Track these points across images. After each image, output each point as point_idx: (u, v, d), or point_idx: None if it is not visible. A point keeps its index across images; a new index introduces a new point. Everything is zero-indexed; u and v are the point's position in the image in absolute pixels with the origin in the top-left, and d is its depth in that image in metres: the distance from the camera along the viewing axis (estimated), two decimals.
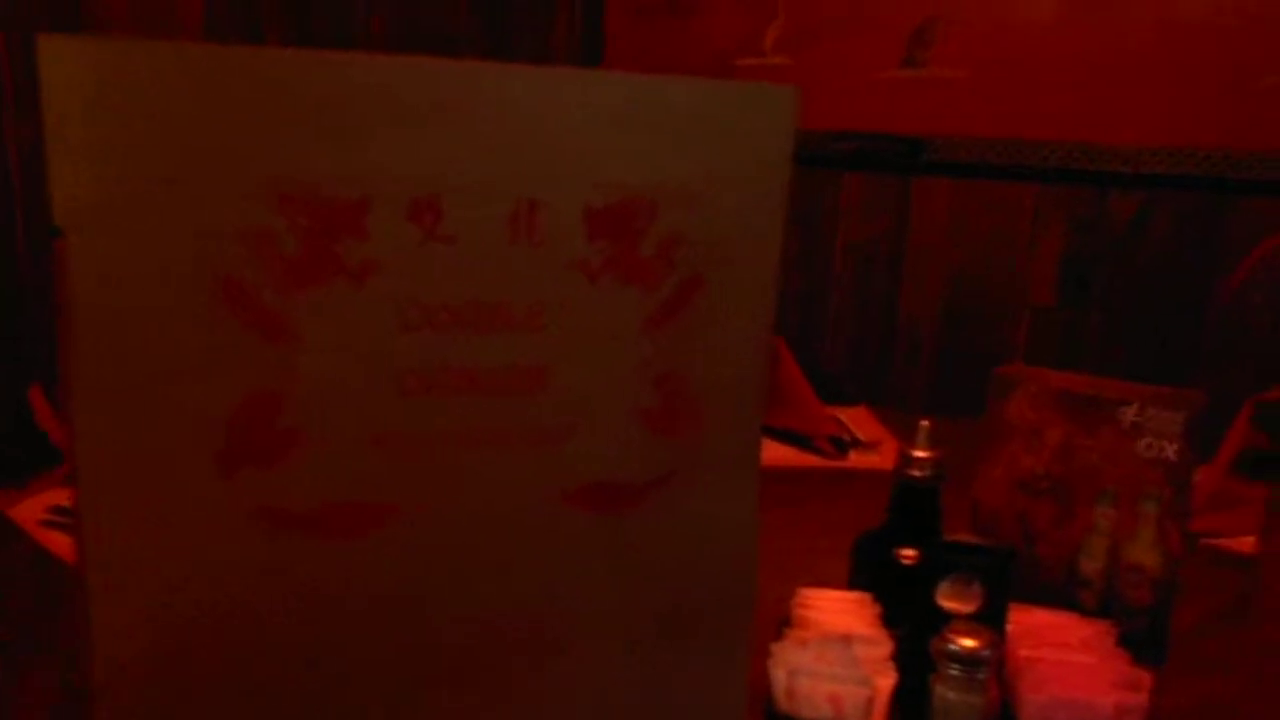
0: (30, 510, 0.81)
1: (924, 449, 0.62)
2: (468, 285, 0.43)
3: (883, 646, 0.55)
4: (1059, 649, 0.54)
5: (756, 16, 1.58)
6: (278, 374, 0.41)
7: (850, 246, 1.61)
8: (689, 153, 0.46)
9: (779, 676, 0.53)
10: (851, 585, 0.65)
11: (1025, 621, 0.57)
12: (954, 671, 0.52)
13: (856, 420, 1.19)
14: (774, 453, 1.11)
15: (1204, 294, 1.27)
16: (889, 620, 0.59)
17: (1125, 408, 0.59)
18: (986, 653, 0.51)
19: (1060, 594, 0.63)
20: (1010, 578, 0.55)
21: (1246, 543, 0.71)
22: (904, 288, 1.59)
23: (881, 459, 1.07)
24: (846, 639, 0.53)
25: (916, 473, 0.62)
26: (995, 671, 0.53)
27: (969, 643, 0.52)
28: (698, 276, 0.47)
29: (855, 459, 1.09)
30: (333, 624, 0.44)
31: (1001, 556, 0.55)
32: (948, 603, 0.56)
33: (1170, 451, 0.58)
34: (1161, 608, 0.60)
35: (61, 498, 0.80)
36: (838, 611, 0.58)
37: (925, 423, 0.62)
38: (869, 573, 0.63)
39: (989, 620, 0.55)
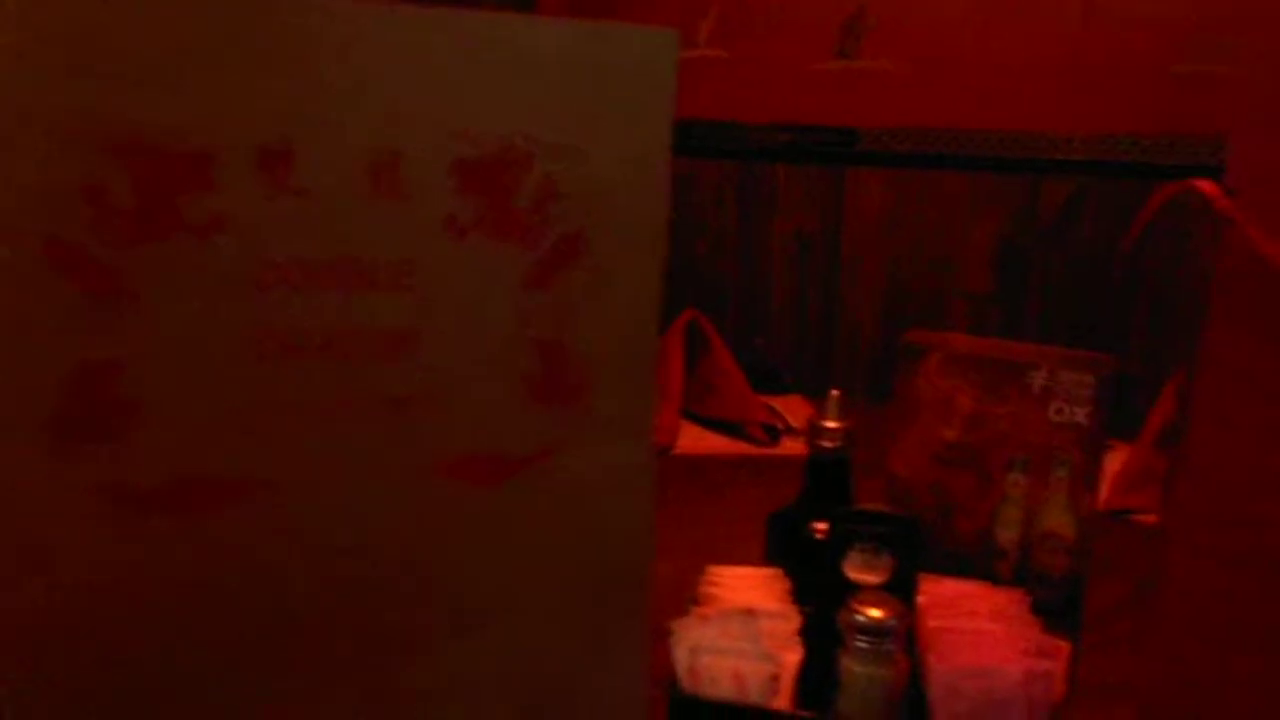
0: None
1: (833, 419, 0.60)
2: (325, 241, 0.41)
3: (790, 621, 0.53)
4: (969, 618, 0.53)
5: (690, 9, 1.56)
6: (114, 340, 0.38)
7: (787, 238, 1.60)
8: (563, 99, 0.43)
9: (681, 655, 0.51)
10: (767, 563, 0.63)
11: (936, 592, 0.56)
12: (861, 644, 0.50)
13: (790, 408, 1.17)
14: (706, 441, 1.09)
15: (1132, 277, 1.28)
16: (801, 595, 0.57)
17: (1035, 372, 0.58)
18: (893, 623, 0.50)
19: (978, 565, 0.61)
20: (919, 547, 0.53)
21: None
22: (843, 278, 1.58)
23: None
24: (750, 613, 0.51)
25: (826, 443, 0.60)
26: (904, 643, 0.51)
27: (875, 613, 0.50)
28: (578, 233, 0.45)
29: (788, 445, 1.07)
30: (190, 607, 0.42)
31: (908, 525, 0.53)
32: (855, 574, 0.54)
33: (1081, 415, 0.57)
34: (1077, 575, 0.59)
35: None
36: (746, 588, 0.56)
37: (835, 393, 0.60)
38: (782, 549, 0.61)
39: (899, 591, 0.53)
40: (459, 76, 0.41)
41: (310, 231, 0.40)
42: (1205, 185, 0.43)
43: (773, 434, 1.06)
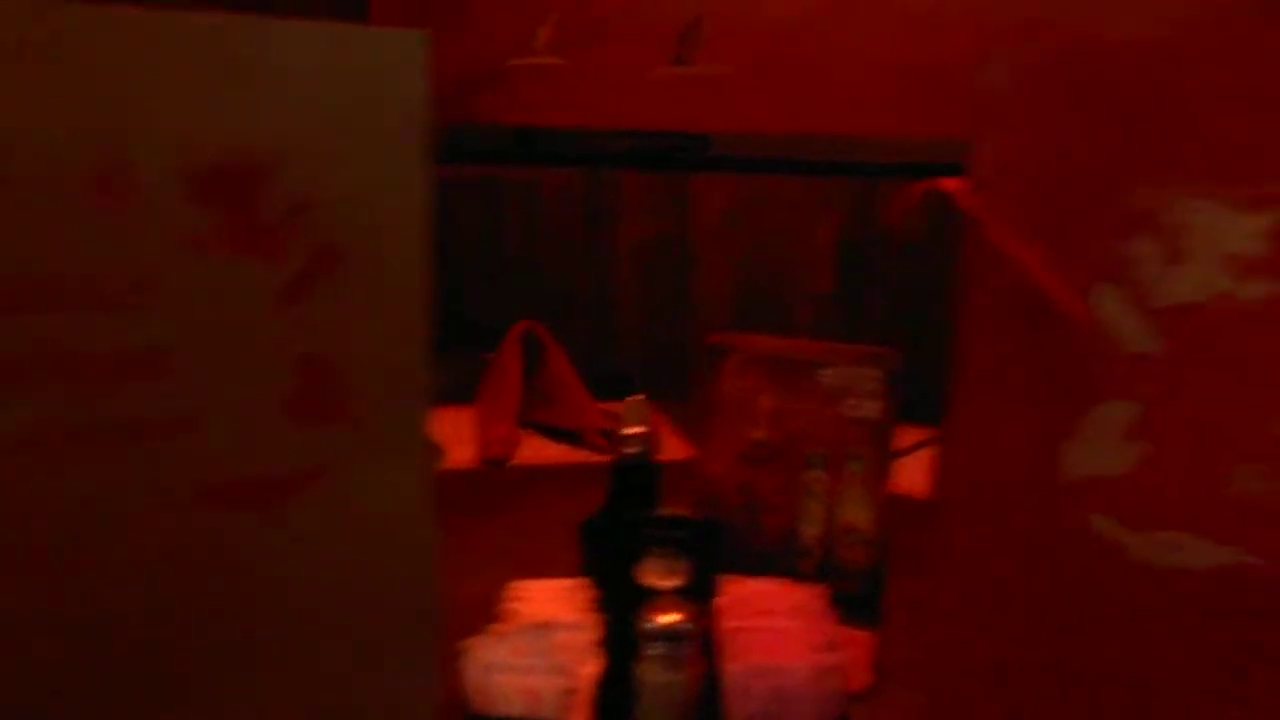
0: None
1: (635, 425, 0.59)
2: (49, 255, 0.38)
3: (589, 632, 0.52)
4: (766, 616, 0.53)
5: (528, 16, 1.55)
6: None
7: (635, 246, 1.60)
8: (309, 105, 0.41)
9: (473, 675, 0.50)
10: (581, 572, 0.62)
11: (737, 593, 0.56)
12: (656, 650, 0.50)
13: None
14: (546, 451, 1.08)
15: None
16: (604, 604, 0.56)
17: (827, 369, 0.59)
18: (687, 628, 0.49)
19: (784, 562, 0.62)
20: (716, 549, 0.53)
21: None
22: (691, 283, 1.60)
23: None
24: (544, 628, 0.50)
25: (630, 449, 0.59)
26: (701, 646, 0.51)
27: (668, 619, 0.49)
28: (333, 245, 0.43)
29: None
30: None
31: (704, 528, 0.53)
32: (653, 579, 0.53)
33: (872, 410, 0.58)
34: (877, 566, 0.60)
35: None
36: (547, 601, 0.55)
37: (636, 398, 0.60)
38: (591, 557, 0.60)
39: (697, 594, 0.53)
40: (189, 82, 0.39)
41: (30, 244, 0.37)
42: (950, 184, 0.44)
43: (613, 440, 1.05)
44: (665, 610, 0.50)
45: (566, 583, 0.57)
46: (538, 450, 1.08)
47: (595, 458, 1.06)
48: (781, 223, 1.52)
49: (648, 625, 0.49)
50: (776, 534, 0.62)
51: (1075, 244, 0.43)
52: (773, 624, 0.52)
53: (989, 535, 0.47)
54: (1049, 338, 0.44)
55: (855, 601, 0.61)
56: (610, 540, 0.58)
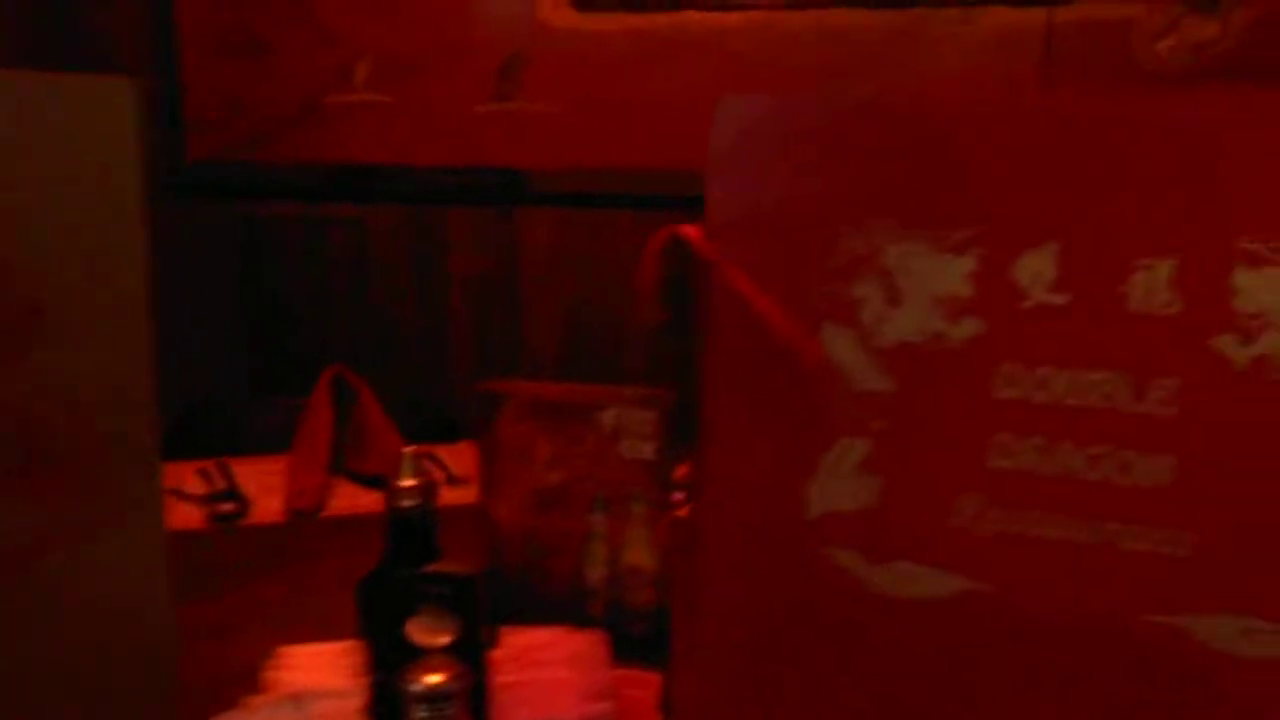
0: None
1: (409, 478, 0.58)
2: None
3: (353, 699, 0.50)
4: (542, 668, 0.52)
5: (343, 53, 1.52)
6: None
7: (464, 282, 1.58)
8: (3, 159, 0.39)
9: None
10: (359, 633, 0.59)
11: (516, 644, 0.55)
12: (421, 713, 0.48)
13: (455, 456, 1.14)
14: (358, 499, 1.04)
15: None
16: (376, 666, 0.54)
17: (603, 412, 0.59)
18: (450, 688, 0.48)
19: (573, 606, 0.61)
20: (479, 601, 0.52)
21: None
22: (523, 320, 1.59)
23: (473, 493, 1.03)
24: (302, 698, 0.48)
25: (405, 503, 0.58)
26: (469, 704, 0.50)
27: (432, 679, 0.48)
28: (37, 305, 0.40)
29: (448, 496, 1.05)
30: None
31: (469, 582, 0.52)
32: (420, 637, 0.52)
33: (649, 450, 0.59)
34: (662, 606, 0.60)
35: None
36: (314, 667, 0.52)
37: (408, 450, 0.58)
38: (366, 617, 0.58)
39: (468, 650, 0.52)
40: None
41: None
42: (688, 230, 0.45)
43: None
44: (430, 670, 0.48)
45: (338, 646, 0.55)
46: (351, 499, 1.04)
47: None
48: (609, 256, 1.53)
49: (411, 687, 0.48)
50: (564, 578, 0.62)
51: (804, 286, 0.44)
52: (547, 675, 0.51)
53: (740, 573, 0.47)
54: (787, 378, 0.45)
55: (643, 642, 0.60)
56: (382, 598, 0.56)
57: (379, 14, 1.50)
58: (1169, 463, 0.40)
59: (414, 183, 1.54)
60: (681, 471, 0.61)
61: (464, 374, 1.58)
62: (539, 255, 1.56)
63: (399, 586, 0.54)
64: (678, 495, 0.61)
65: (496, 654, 0.55)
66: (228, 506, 1.00)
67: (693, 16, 1.41)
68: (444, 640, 0.52)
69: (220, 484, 1.03)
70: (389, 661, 0.53)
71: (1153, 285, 0.39)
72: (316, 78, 1.53)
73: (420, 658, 0.50)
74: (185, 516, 0.97)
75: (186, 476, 1.04)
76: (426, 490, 0.58)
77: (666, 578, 0.60)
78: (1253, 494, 0.39)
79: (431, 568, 0.55)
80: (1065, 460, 0.42)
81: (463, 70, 1.48)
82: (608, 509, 0.60)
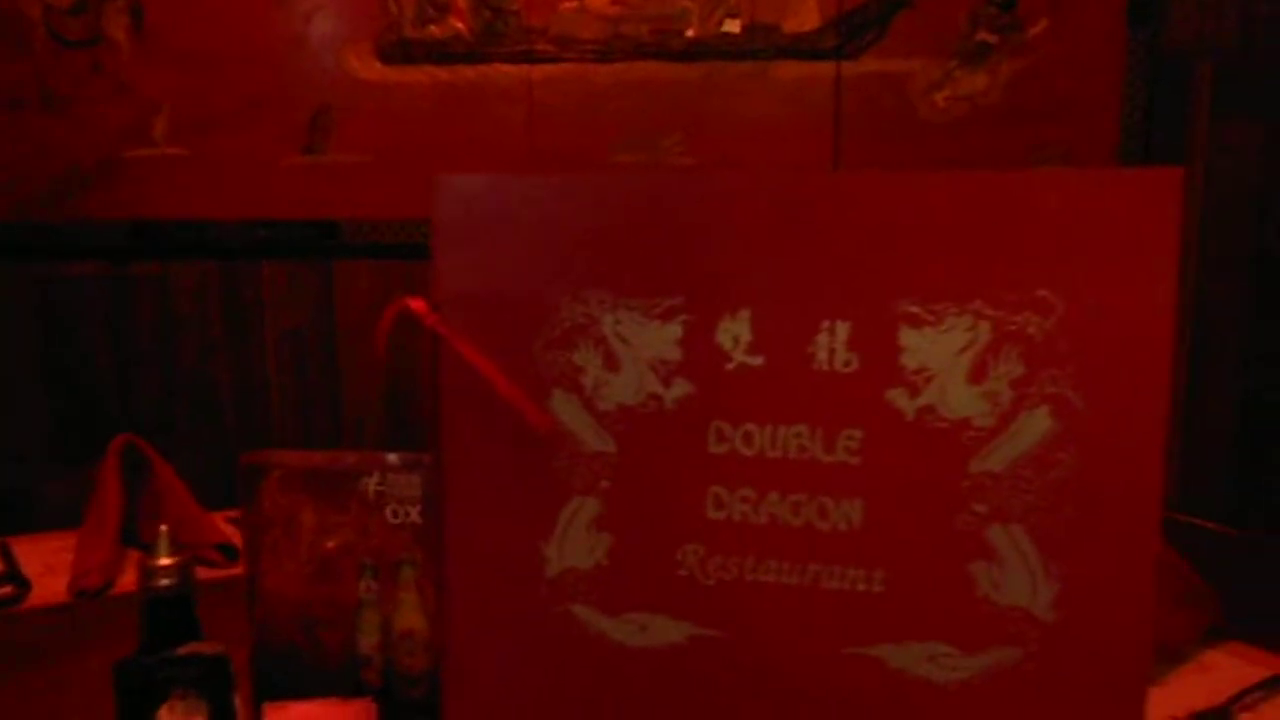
0: None
1: (167, 556, 0.57)
2: None
3: None
4: None
5: (140, 108, 1.48)
6: None
7: (282, 337, 1.55)
8: None
9: None
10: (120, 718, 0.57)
11: None
12: None
13: None
14: None
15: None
16: None
17: (366, 479, 0.59)
18: None
19: (347, 677, 0.61)
20: (230, 682, 0.51)
21: None
22: (344, 375, 1.56)
23: None
24: None
25: (164, 582, 0.56)
26: None
27: None
28: None
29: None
30: None
31: (215, 662, 0.51)
32: None
33: (414, 515, 0.59)
34: (437, 671, 0.60)
35: None
36: None
37: (164, 528, 0.57)
38: (122, 703, 0.56)
39: None
40: None
41: None
42: (416, 304, 0.46)
43: (230, 554, 1.00)
44: None
45: None
46: None
47: (213, 574, 1.00)
48: None
49: None
50: (338, 649, 0.61)
51: (529, 355, 0.46)
52: None
53: (488, 632, 0.49)
54: (520, 443, 0.47)
55: (422, 706, 0.61)
56: (136, 684, 0.54)
57: (178, 67, 1.47)
58: (859, 507, 0.44)
59: (221, 237, 1.50)
60: None
61: (287, 433, 1.54)
62: (359, 307, 1.54)
63: (150, 671, 0.53)
64: None
65: None
66: (5, 590, 0.94)
67: (500, 69, 1.44)
68: None
69: None
70: None
71: (834, 345, 0.43)
72: (113, 132, 1.48)
73: None
74: None
75: None
76: (184, 569, 0.57)
77: (440, 641, 0.60)
78: (930, 530, 0.43)
79: (184, 649, 0.54)
80: (772, 509, 0.45)
81: (269, 123, 1.46)
82: (377, 575, 0.60)
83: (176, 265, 1.52)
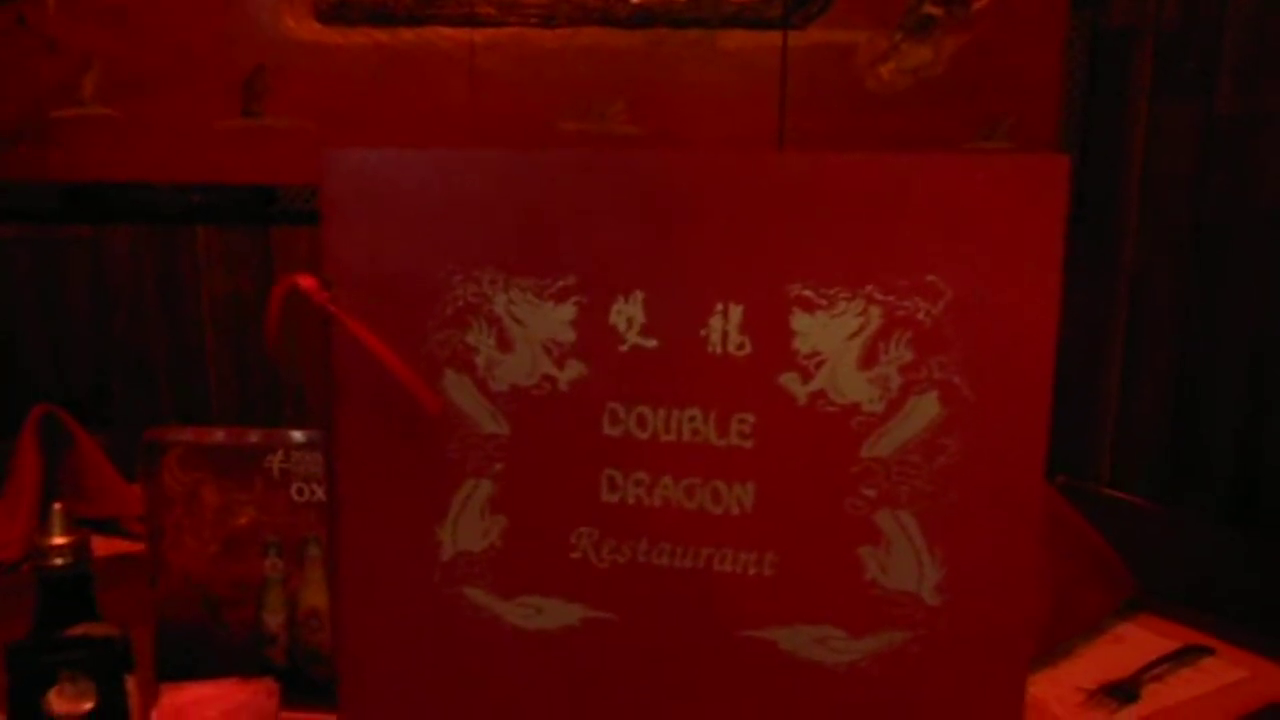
0: None
1: (61, 535, 0.55)
2: None
3: None
4: None
5: (67, 66, 1.43)
6: None
7: (218, 304, 1.52)
8: None
9: None
10: (10, 705, 0.56)
11: (176, 701, 0.54)
12: None
13: None
14: None
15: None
16: None
17: (271, 456, 0.58)
18: None
19: (252, 656, 0.60)
20: (121, 664, 0.50)
21: None
22: (283, 343, 1.53)
23: None
24: None
25: (57, 561, 0.55)
26: None
27: None
28: None
29: None
30: None
31: (104, 644, 0.50)
32: (60, 706, 0.50)
33: (320, 493, 0.58)
34: None
35: None
36: None
37: (58, 506, 0.55)
38: (13, 685, 0.55)
39: (111, 714, 0.50)
40: None
41: None
42: (305, 281, 0.45)
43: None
44: None
45: None
46: None
47: (132, 547, 0.98)
48: None
49: None
50: (241, 628, 0.61)
51: (421, 334, 0.45)
52: None
53: (381, 615, 0.48)
54: (413, 424, 0.46)
55: (326, 685, 0.60)
56: (26, 666, 0.53)
57: (106, 23, 1.42)
58: (751, 490, 0.44)
59: (155, 201, 1.46)
60: None
61: (224, 401, 1.52)
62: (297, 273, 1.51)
63: (39, 654, 0.52)
64: None
65: (154, 715, 0.54)
66: None
67: (441, 31, 1.41)
68: (85, 708, 0.50)
69: None
70: None
71: (727, 329, 0.43)
72: (40, 91, 1.43)
73: None
74: None
75: None
76: (78, 548, 0.56)
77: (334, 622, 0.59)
78: (820, 514, 0.43)
79: (75, 631, 0.52)
80: (666, 492, 0.44)
81: (202, 84, 1.42)
82: (282, 553, 0.60)
83: (109, 230, 1.48)
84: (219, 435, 0.58)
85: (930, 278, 0.40)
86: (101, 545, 0.99)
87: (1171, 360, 1.35)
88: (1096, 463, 1.38)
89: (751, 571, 0.44)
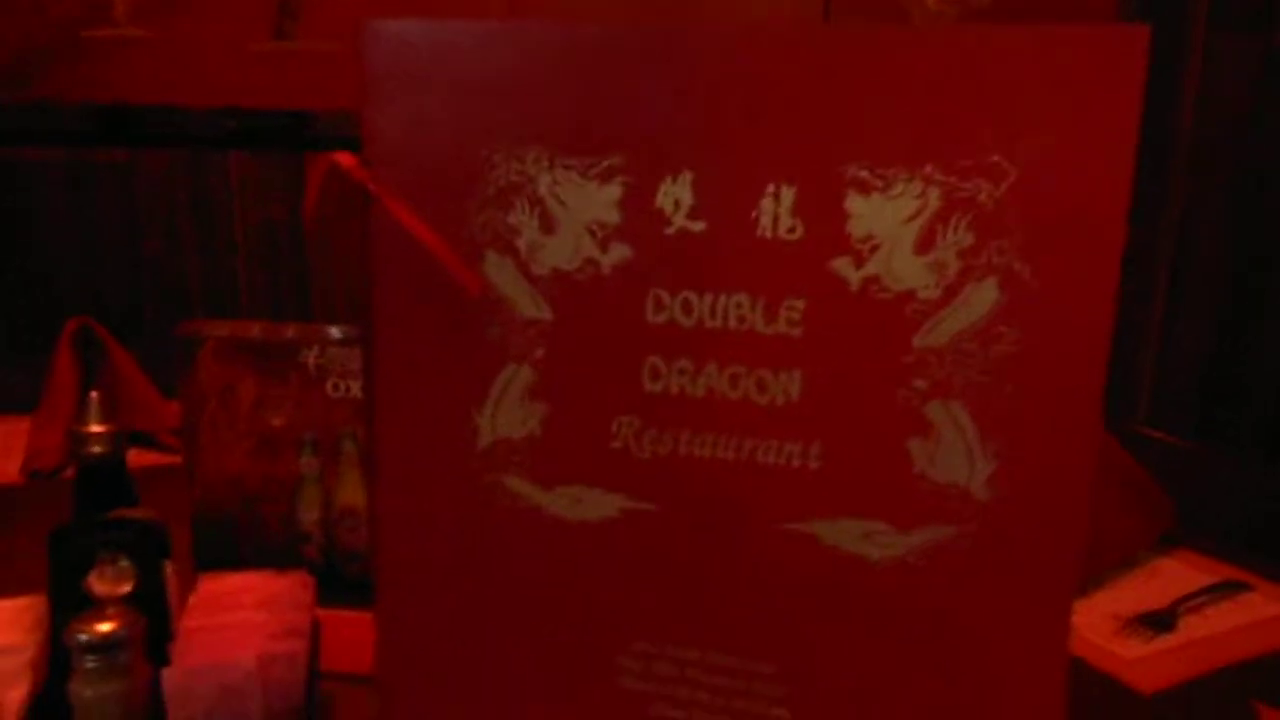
0: None
1: (98, 423, 0.55)
2: None
3: (21, 654, 0.48)
4: (231, 612, 0.51)
5: None
6: None
7: (252, 229, 1.51)
8: None
9: None
10: (50, 588, 0.57)
11: (212, 590, 0.54)
12: (90, 663, 0.46)
13: None
14: None
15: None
16: (59, 620, 0.52)
17: (307, 351, 0.57)
18: (120, 635, 0.46)
19: (287, 552, 0.60)
20: (159, 548, 0.50)
21: None
22: (316, 267, 1.53)
23: None
24: None
25: (96, 449, 0.55)
26: (145, 651, 0.48)
27: (101, 628, 0.46)
28: None
29: None
30: None
31: (144, 527, 0.50)
32: (99, 587, 0.50)
33: (356, 389, 0.58)
34: None
35: None
36: None
37: (94, 394, 0.55)
38: (54, 570, 0.55)
39: (150, 597, 0.50)
40: None
41: None
42: (345, 159, 0.44)
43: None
44: (99, 619, 0.47)
45: (20, 601, 0.52)
46: None
47: (167, 459, 0.99)
48: None
49: (78, 637, 0.46)
50: (277, 524, 0.61)
51: (462, 215, 0.44)
52: (233, 619, 0.51)
53: (417, 503, 0.48)
54: (453, 308, 0.45)
55: (361, 583, 0.60)
56: (67, 550, 0.54)
57: None
58: (798, 379, 0.42)
59: (188, 125, 1.45)
60: None
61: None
62: (330, 201, 1.50)
63: (80, 537, 0.52)
64: None
65: (191, 600, 0.54)
66: None
67: None
68: (124, 589, 0.51)
69: None
70: (70, 613, 0.51)
71: (778, 211, 0.41)
72: (72, 10, 1.42)
73: (95, 608, 0.48)
74: None
75: None
76: (115, 437, 0.56)
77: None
78: (869, 405, 0.42)
79: (115, 515, 0.53)
80: (709, 381, 0.43)
81: (235, 4, 1.41)
82: (318, 450, 0.59)
83: (141, 153, 1.47)
84: (255, 329, 0.58)
85: (994, 157, 0.39)
86: (136, 458, 1.01)
87: (1216, 299, 1.32)
88: (1135, 401, 1.36)
89: (796, 463, 0.43)
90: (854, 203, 0.40)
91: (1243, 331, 1.30)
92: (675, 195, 0.42)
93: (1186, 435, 1.21)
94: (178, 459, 0.99)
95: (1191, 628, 0.73)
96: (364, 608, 0.55)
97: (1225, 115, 1.30)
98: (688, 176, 0.42)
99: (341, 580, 0.61)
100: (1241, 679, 0.67)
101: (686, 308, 0.43)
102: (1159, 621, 0.73)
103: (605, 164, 0.42)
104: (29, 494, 0.92)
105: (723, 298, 0.43)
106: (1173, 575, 0.80)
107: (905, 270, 0.40)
